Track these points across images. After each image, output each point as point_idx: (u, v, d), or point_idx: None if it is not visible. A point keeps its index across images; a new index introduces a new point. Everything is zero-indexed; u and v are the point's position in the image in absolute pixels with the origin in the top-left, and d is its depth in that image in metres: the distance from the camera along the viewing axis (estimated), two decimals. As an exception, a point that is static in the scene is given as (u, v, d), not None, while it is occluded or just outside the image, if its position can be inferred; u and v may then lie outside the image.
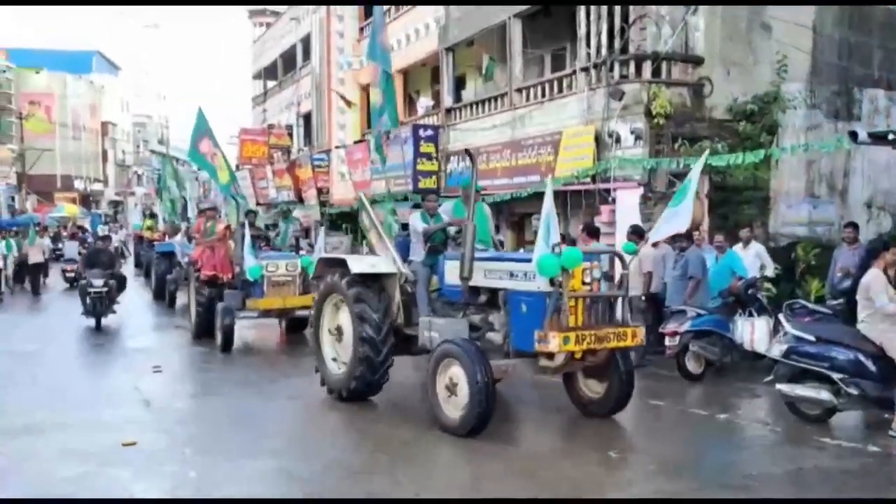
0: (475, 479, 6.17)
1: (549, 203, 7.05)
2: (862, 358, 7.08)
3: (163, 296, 19.20)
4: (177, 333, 14.46)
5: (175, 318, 16.79)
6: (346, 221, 25.19)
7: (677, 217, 7.88)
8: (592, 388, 7.87)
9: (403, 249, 8.85)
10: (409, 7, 22.77)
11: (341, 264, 8.66)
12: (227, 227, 14.37)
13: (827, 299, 10.09)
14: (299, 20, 31.10)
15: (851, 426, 7.58)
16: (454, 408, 7.07)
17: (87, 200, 58.64)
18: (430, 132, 19.50)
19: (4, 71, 52.82)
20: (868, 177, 14.90)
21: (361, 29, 26.68)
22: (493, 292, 7.64)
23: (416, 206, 12.64)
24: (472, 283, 7.60)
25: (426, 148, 19.26)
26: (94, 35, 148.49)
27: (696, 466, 6.35)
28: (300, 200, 27.50)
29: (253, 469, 6.28)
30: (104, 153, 66.99)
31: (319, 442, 7.38)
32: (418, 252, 8.58)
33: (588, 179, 14.10)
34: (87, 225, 40.09)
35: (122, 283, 16.01)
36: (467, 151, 8.00)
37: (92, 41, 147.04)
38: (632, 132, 13.50)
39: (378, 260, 8.71)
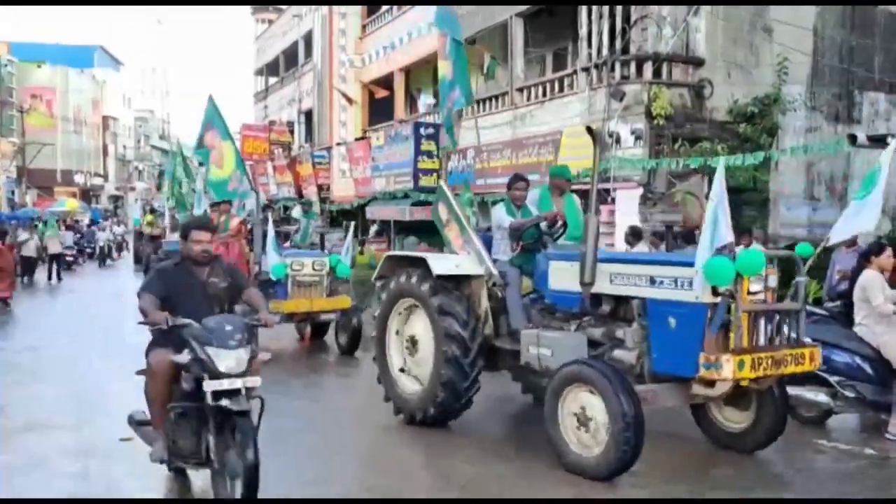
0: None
1: (719, 189, 5.95)
2: (859, 361, 7.09)
3: None
4: None
5: None
6: (346, 218, 25.22)
7: (865, 211, 7.23)
8: (731, 419, 6.59)
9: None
10: (411, 5, 22.80)
11: (415, 263, 7.48)
12: (243, 223, 13.22)
13: (824, 301, 10.11)
14: (302, 17, 31.13)
15: (848, 429, 7.61)
16: (586, 444, 5.84)
17: (87, 195, 58.60)
18: (431, 130, 19.53)
19: (6, 65, 52.76)
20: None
21: (364, 27, 26.70)
22: (622, 301, 6.37)
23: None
24: (594, 290, 6.32)
25: (427, 146, 19.30)
26: (97, 30, 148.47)
27: (691, 469, 6.36)
28: (300, 197, 27.55)
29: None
30: (105, 148, 66.95)
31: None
32: (504, 250, 7.41)
33: (588, 179, 14.11)
34: (85, 219, 40.08)
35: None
36: (589, 129, 6.70)
37: (94, 36, 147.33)
38: (632, 132, 13.53)
39: (461, 259, 7.41)
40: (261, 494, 4.72)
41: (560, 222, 7.49)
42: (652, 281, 5.98)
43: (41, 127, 53.23)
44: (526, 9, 16.83)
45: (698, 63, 14.01)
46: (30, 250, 22.66)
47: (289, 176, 28.65)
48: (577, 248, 6.72)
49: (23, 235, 23.59)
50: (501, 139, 16.93)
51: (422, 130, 19.49)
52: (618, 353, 6.28)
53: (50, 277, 23.72)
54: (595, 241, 6.23)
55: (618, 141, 13.69)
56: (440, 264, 7.19)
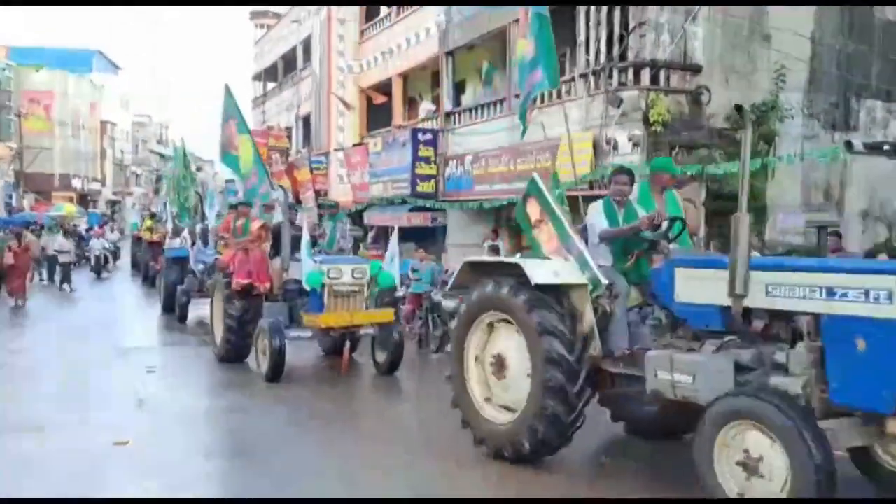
0: None
1: None
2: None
3: (173, 308, 16.39)
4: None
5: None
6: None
7: None
8: None
9: None
10: (410, 11, 22.84)
11: (503, 270, 6.53)
12: (264, 226, 12.09)
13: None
14: (300, 22, 31.15)
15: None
16: (756, 495, 4.87)
17: (84, 199, 58.54)
18: (428, 136, 19.55)
19: (4, 69, 52.74)
20: (864, 187, 14.95)
21: (362, 32, 26.74)
22: (779, 317, 5.39)
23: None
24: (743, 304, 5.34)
25: (425, 152, 19.30)
26: (95, 34, 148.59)
27: (681, 465, 6.33)
28: (298, 202, 27.54)
29: None
30: (103, 152, 66.91)
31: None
32: (603, 255, 6.48)
33: (586, 186, 14.13)
34: (83, 224, 40.05)
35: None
36: (738, 107, 6.14)
37: (92, 40, 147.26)
38: (629, 139, 13.55)
39: (560, 265, 6.37)
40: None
41: (665, 223, 6.40)
42: (830, 293, 4.92)
43: (39, 131, 53.24)
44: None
45: (696, 70, 14.04)
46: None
47: (286, 181, 28.62)
48: (709, 254, 6.28)
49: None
50: (499, 145, 16.94)
51: (419, 136, 19.50)
52: (776, 380, 5.24)
53: (51, 279, 24.34)
54: (747, 245, 5.35)
55: (615, 148, 13.71)
56: (539, 271, 6.17)
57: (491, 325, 6.71)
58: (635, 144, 13.47)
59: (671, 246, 6.38)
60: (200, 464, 6.64)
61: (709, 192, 13.27)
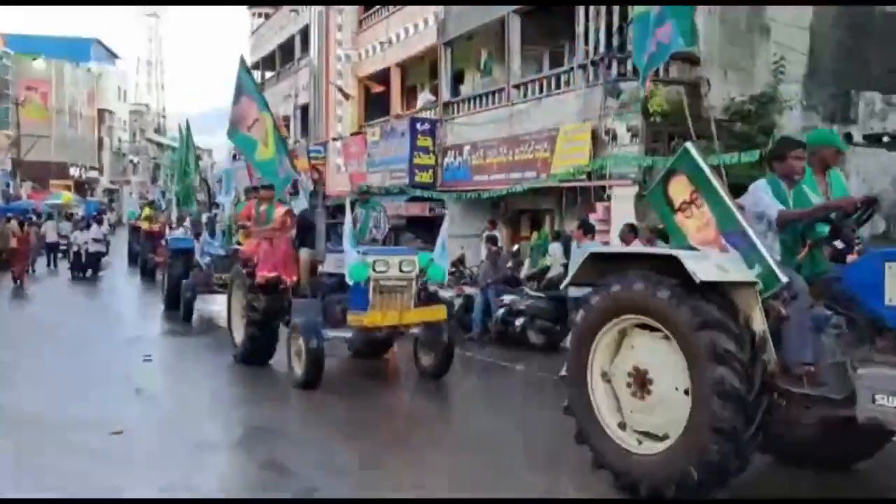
0: None
1: None
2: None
3: (177, 304, 14.64)
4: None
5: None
6: (342, 213, 25.15)
7: None
8: None
9: None
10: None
11: (646, 263, 5.33)
12: (289, 213, 10.89)
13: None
14: (298, 11, 31.03)
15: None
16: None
17: (81, 188, 58.47)
18: (427, 126, 19.51)
19: (2, 57, 52.59)
20: (863, 179, 14.94)
21: (360, 21, 26.66)
22: None
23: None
24: None
25: (423, 142, 19.27)
26: (93, 23, 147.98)
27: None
28: (295, 191, 27.44)
29: None
30: (100, 141, 66.81)
31: None
32: (769, 247, 5.15)
33: (584, 176, 14.13)
34: (80, 212, 39.99)
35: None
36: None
37: (90, 29, 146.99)
38: (628, 130, 13.54)
39: (721, 259, 5.12)
40: None
41: (863, 208, 5.31)
42: None
43: (36, 119, 53.12)
44: (523, 6, 16.81)
45: (695, 61, 14.00)
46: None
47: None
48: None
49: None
50: (498, 136, 16.92)
51: (418, 126, 19.47)
52: None
53: (49, 264, 24.95)
54: None
55: (614, 138, 13.70)
56: (700, 265, 4.90)
57: (622, 334, 5.50)
58: (634, 135, 13.46)
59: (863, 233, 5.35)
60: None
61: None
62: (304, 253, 10.01)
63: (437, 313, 9.35)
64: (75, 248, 22.75)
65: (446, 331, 9.36)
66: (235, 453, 6.82)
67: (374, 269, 8.87)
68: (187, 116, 22.85)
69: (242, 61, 11.76)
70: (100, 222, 25.24)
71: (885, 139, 10.17)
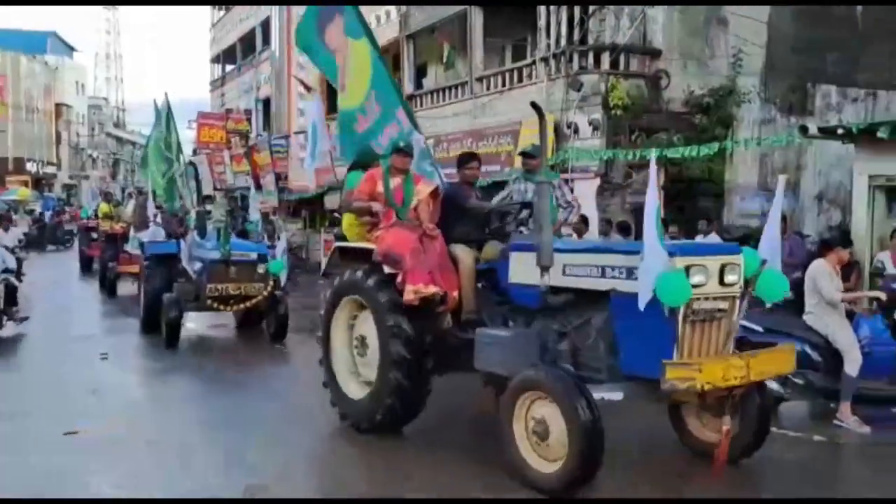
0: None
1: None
2: (808, 349, 7.20)
3: (157, 325, 11.42)
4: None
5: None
6: (305, 208, 25.02)
7: None
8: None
9: None
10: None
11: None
12: (435, 192, 7.13)
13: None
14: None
15: (797, 416, 7.71)
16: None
17: (39, 184, 57.40)
18: (390, 119, 19.39)
19: (-46, 50, 51.46)
20: (819, 171, 15.16)
21: (322, 14, 26.44)
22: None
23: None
24: None
25: (387, 135, 19.16)
26: (49, 16, 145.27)
27: (642, 455, 6.38)
28: (258, 187, 27.27)
29: None
30: (58, 136, 65.61)
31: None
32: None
33: (549, 168, 14.17)
34: (38, 208, 39.28)
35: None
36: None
37: (47, 22, 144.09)
38: (590, 123, 13.62)
39: None
40: None
41: None
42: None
43: (-9, 114, 52.02)
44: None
45: (655, 54, 14.13)
46: None
47: (246, 165, 28.33)
48: None
49: None
50: (461, 129, 16.91)
51: (381, 119, 19.36)
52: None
53: None
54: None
55: (576, 131, 13.77)
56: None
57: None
58: (595, 128, 13.54)
59: None
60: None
61: (668, 175, 13.39)
62: (462, 252, 6.66)
63: (788, 360, 5.66)
64: None
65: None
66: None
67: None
68: (149, 109, 21.16)
69: None
70: (6, 226, 16.03)
71: (840, 131, 10.33)
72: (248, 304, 11.22)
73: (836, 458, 6.71)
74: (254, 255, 11.45)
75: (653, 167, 5.29)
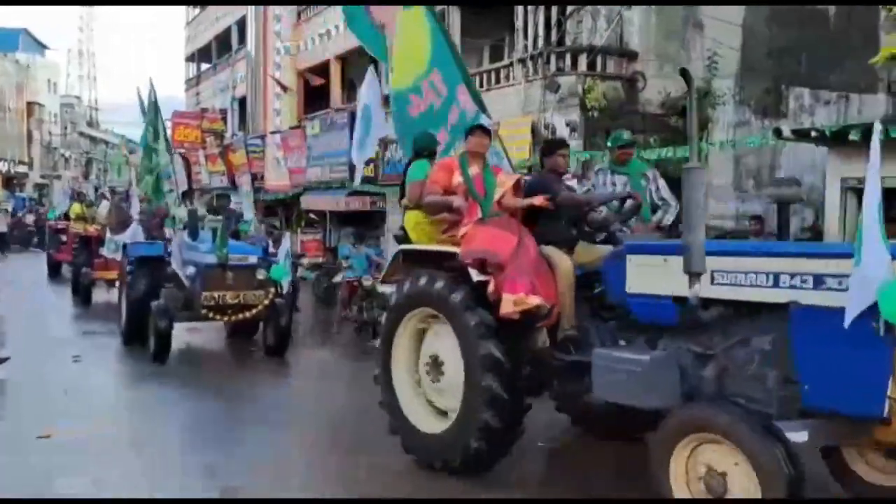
0: None
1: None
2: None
3: (142, 336, 10.52)
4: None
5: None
6: (281, 208, 24.90)
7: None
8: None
9: None
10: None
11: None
12: (517, 184, 6.03)
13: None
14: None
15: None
16: None
17: (10, 183, 56.64)
18: (367, 120, 19.32)
19: (-77, 46, 50.60)
20: (793, 173, 15.33)
21: (299, 13, 26.34)
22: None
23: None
24: None
25: (363, 135, 19.08)
26: (21, 13, 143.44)
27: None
28: (233, 186, 27.10)
29: None
30: (29, 135, 64.75)
31: None
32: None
33: (525, 171, 14.22)
34: (9, 208, 38.73)
35: None
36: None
37: (18, 19, 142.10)
38: (567, 124, 13.67)
39: None
40: None
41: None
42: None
43: (-39, 112, 51.22)
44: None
45: (632, 56, 14.22)
46: None
47: (221, 165, 28.12)
48: None
49: None
50: (438, 129, 16.91)
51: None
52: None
53: None
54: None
55: (553, 133, 13.81)
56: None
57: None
58: (573, 130, 13.59)
59: None
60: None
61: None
62: (558, 256, 5.61)
63: None
64: None
65: None
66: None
67: None
68: (122, 108, 21.22)
69: None
70: None
71: (814, 134, 10.46)
72: (247, 314, 10.12)
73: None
74: (253, 259, 10.44)
75: (875, 144, 3.90)
